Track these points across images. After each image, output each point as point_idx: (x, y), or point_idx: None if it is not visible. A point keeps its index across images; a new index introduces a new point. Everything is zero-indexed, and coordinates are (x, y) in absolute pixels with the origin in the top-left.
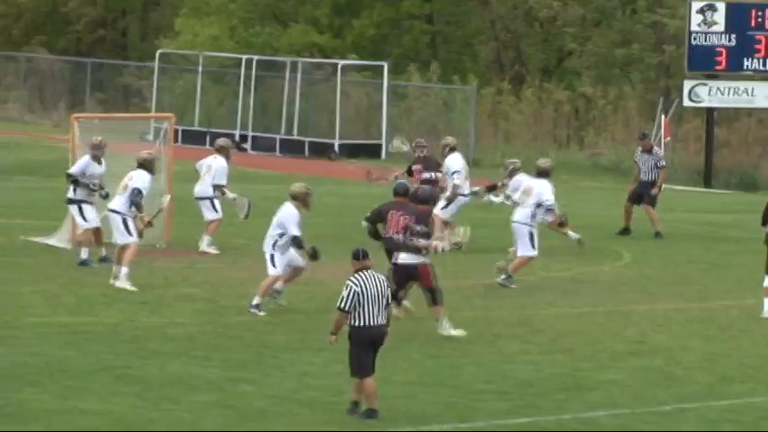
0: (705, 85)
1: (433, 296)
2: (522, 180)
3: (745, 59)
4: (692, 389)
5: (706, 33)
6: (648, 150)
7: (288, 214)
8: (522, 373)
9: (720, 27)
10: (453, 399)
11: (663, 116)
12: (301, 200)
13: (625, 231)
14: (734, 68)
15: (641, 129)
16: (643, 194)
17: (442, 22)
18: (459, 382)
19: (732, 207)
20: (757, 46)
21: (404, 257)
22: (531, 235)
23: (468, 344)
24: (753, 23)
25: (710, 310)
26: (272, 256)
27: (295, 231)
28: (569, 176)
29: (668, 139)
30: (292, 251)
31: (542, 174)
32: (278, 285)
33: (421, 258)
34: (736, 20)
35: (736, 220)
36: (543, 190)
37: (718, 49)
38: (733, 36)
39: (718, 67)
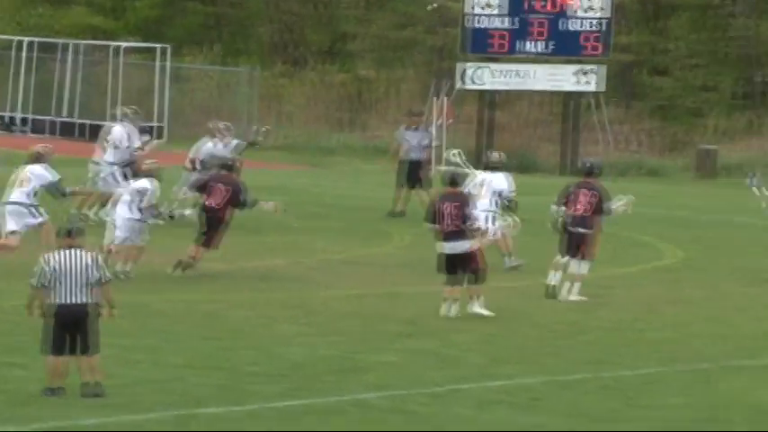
0: (484, 67)
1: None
2: None
3: (524, 42)
4: (466, 370)
5: (484, 15)
6: (415, 128)
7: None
8: (297, 355)
9: (499, 9)
10: (226, 382)
11: (435, 98)
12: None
13: (399, 214)
14: (512, 51)
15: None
16: (417, 177)
17: (223, 3)
18: (231, 365)
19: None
20: (536, 29)
21: (453, 246)
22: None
23: (242, 326)
24: (531, 6)
25: (486, 291)
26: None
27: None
28: (347, 159)
29: (450, 121)
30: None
31: (495, 167)
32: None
33: (471, 243)
34: (514, 2)
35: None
36: (501, 182)
37: (496, 32)
38: (511, 19)
39: (496, 50)
